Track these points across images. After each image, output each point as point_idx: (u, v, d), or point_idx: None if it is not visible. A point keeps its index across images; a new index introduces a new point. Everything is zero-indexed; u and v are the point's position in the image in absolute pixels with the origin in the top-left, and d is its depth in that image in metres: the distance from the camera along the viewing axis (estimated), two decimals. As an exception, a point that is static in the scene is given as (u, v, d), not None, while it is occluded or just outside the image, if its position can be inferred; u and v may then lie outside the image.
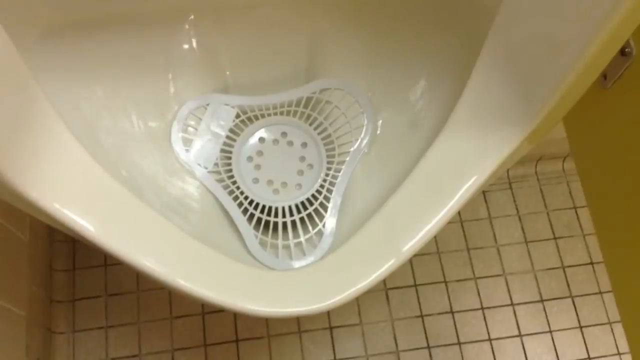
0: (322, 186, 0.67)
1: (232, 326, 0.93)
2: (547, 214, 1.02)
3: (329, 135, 0.70)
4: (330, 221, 0.64)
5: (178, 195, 0.63)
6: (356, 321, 0.94)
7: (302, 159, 0.69)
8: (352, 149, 0.67)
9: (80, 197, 0.45)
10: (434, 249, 0.99)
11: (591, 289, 0.98)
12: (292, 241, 0.63)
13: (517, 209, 1.02)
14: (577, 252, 1.00)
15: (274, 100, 0.70)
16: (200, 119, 0.68)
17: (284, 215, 0.65)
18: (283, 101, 0.71)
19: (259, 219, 0.65)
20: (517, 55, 0.49)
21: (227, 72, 0.70)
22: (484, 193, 1.03)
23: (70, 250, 0.97)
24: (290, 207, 0.66)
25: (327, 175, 0.67)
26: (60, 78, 0.57)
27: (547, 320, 0.96)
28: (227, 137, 0.69)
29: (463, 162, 0.48)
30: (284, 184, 0.68)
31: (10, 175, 0.42)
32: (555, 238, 1.00)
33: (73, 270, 0.96)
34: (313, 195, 0.66)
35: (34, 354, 0.81)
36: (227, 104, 0.69)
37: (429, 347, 0.94)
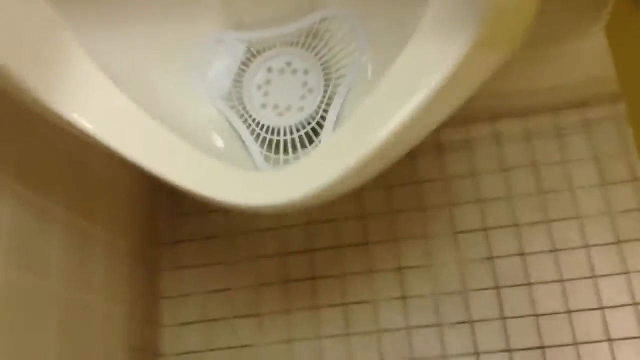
0: (319, 107, 0.74)
1: (309, 265, 1.02)
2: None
3: (328, 61, 0.76)
4: (327, 136, 0.71)
5: (195, 120, 0.72)
6: (426, 262, 0.98)
7: (305, 84, 0.76)
8: (348, 72, 0.74)
9: (97, 110, 0.55)
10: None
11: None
12: (291, 156, 0.71)
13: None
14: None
15: (279, 32, 0.78)
16: (215, 54, 0.76)
17: (285, 134, 0.73)
18: (287, 33, 0.78)
19: (264, 139, 0.73)
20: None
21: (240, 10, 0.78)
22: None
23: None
24: (291, 127, 0.73)
25: (324, 97, 0.74)
26: (78, 20, 0.66)
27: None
28: (239, 68, 0.77)
29: (424, 66, 0.54)
30: (288, 108, 0.75)
31: (42, 94, 0.52)
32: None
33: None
34: (312, 116, 0.74)
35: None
36: (238, 39, 0.77)
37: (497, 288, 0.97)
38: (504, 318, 0.94)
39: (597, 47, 0.78)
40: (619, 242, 0.95)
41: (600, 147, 1.00)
